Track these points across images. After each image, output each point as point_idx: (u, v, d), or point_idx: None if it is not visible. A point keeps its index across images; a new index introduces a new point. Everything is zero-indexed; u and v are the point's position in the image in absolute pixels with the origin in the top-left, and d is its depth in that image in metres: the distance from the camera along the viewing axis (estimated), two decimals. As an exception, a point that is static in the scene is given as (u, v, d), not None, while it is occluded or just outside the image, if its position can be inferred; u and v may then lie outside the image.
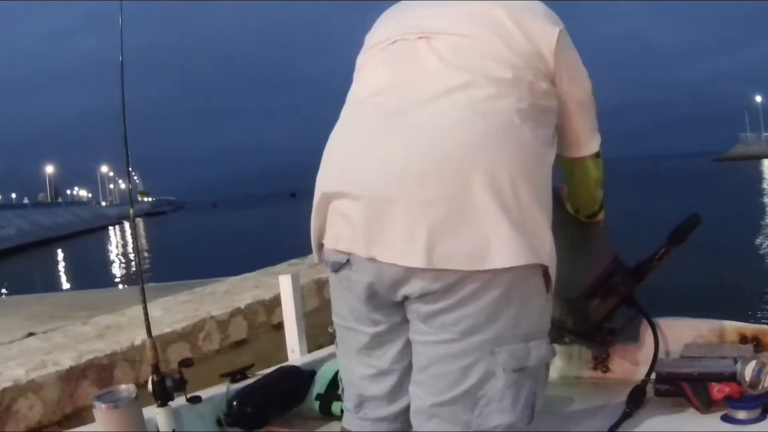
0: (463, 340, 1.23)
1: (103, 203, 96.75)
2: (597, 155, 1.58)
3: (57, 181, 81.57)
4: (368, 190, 1.24)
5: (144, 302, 1.68)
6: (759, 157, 59.61)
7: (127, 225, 54.51)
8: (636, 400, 1.68)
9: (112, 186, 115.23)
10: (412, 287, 1.23)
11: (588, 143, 1.54)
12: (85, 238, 40.23)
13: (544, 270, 1.26)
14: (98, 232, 46.16)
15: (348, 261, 1.29)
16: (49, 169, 74.73)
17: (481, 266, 1.18)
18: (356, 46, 1.51)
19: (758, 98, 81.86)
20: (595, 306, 1.77)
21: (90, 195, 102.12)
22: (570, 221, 1.78)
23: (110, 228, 54.76)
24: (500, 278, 1.20)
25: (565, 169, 1.62)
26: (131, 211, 1.74)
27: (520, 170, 1.22)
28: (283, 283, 2.16)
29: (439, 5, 1.41)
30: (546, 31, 1.35)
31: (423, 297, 1.23)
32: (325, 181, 1.34)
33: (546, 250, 1.24)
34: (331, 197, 1.31)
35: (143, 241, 36.45)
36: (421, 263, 1.19)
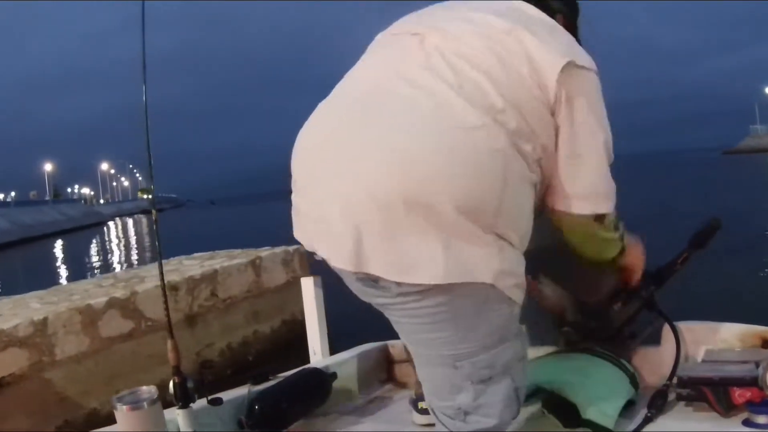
0: (422, 346, 1.27)
1: (101, 201, 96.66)
2: (599, 219, 1.32)
3: (58, 179, 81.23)
4: (317, 188, 1.21)
5: (165, 302, 1.68)
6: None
7: (130, 222, 54.58)
8: (657, 404, 1.68)
9: (115, 184, 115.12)
10: (355, 287, 1.22)
11: (574, 199, 1.28)
12: (71, 236, 39.46)
13: (511, 285, 1.18)
14: (88, 230, 45.26)
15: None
16: (48, 167, 74.40)
17: (408, 279, 1.12)
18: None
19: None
20: (616, 310, 1.77)
21: (93, 193, 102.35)
22: None
23: (110, 223, 54.41)
24: (434, 293, 1.14)
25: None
26: (153, 211, 1.75)
27: (468, 196, 1.11)
28: (305, 285, 2.17)
29: (455, 10, 1.34)
30: (552, 58, 1.21)
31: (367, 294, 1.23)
32: (293, 169, 1.30)
33: (491, 268, 1.14)
34: (294, 186, 1.28)
35: (130, 238, 36.31)
36: (349, 266, 1.15)
